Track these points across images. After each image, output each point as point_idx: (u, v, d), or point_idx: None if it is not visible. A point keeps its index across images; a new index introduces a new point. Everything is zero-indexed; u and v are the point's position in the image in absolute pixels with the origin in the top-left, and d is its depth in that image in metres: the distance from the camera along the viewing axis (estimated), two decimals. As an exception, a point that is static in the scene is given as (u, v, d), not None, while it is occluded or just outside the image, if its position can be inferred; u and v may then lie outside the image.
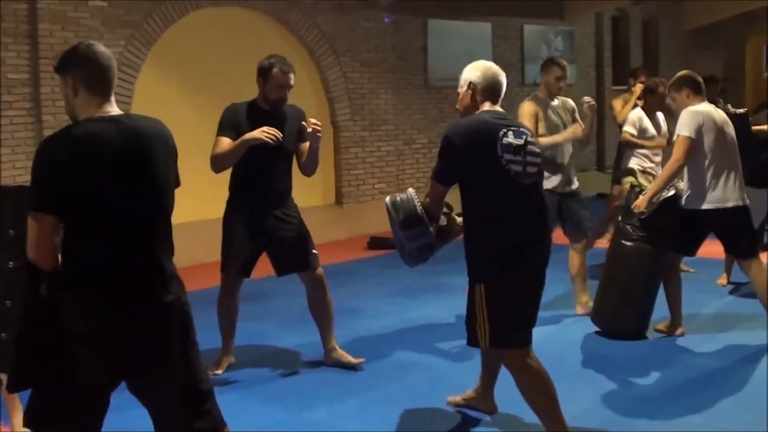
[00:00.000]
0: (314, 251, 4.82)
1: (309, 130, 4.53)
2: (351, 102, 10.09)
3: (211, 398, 2.83)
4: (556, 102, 5.77)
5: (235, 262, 4.77)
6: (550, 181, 5.54)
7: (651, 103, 6.65)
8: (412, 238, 3.63)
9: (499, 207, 3.48)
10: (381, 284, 7.12)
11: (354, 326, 5.76)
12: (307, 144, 4.71)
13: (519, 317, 3.51)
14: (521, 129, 3.57)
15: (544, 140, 5.39)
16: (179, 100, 8.30)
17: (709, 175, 4.95)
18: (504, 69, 3.74)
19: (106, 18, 7.71)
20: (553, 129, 5.65)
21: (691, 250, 5.25)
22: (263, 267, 4.87)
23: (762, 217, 6.34)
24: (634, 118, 6.64)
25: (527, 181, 3.50)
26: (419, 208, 3.59)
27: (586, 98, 5.73)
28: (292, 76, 4.64)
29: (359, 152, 10.26)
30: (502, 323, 3.47)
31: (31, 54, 7.30)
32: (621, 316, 5.30)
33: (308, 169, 4.81)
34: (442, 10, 11.03)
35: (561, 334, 5.47)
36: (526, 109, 5.65)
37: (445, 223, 3.74)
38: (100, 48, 2.72)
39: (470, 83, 3.65)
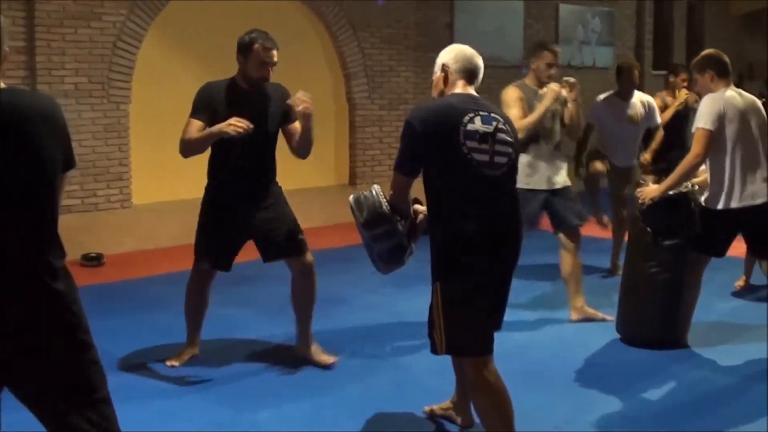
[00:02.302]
0: (302, 236, 4.44)
1: (299, 108, 4.14)
2: (369, 79, 9.72)
3: (106, 408, 2.53)
4: (544, 91, 5.23)
5: (206, 256, 4.44)
6: (533, 181, 5.20)
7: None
8: (379, 238, 3.30)
9: (459, 199, 3.12)
10: (376, 273, 6.75)
11: (335, 317, 5.42)
12: (295, 125, 4.34)
13: (476, 323, 3.16)
14: (492, 114, 3.20)
15: (525, 121, 5.03)
16: (183, 73, 8.01)
17: (733, 169, 4.46)
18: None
19: (107, -14, 7.45)
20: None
21: (720, 252, 4.70)
22: (252, 249, 4.49)
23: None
24: None
25: (495, 172, 3.13)
26: (384, 205, 3.25)
27: (567, 78, 5.24)
28: (275, 52, 4.26)
29: (376, 132, 9.89)
30: (457, 328, 3.13)
31: (26, 21, 7.07)
32: (638, 321, 4.87)
33: (301, 152, 4.42)
34: (471, -14, 10.59)
35: (553, 337, 5.09)
36: (511, 95, 5.19)
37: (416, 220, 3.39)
38: None
39: (443, 65, 3.34)
